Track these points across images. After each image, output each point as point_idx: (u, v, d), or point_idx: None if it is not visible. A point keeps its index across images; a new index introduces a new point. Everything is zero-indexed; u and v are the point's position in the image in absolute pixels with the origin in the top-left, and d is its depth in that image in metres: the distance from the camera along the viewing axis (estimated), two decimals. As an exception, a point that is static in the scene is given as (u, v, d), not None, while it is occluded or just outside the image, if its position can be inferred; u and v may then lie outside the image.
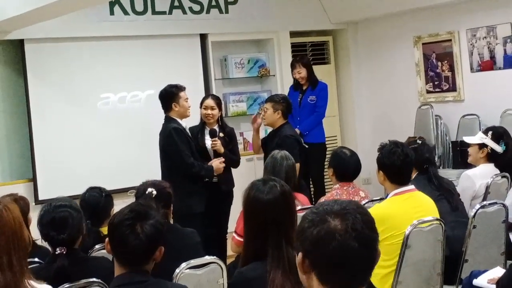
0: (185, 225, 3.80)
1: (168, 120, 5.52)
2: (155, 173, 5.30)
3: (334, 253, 1.61)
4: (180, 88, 5.54)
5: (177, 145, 5.37)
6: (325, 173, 6.97)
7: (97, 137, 6.82)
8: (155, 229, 2.57)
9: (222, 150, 5.72)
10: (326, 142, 7.10)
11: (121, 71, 6.98)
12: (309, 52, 8.24)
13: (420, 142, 4.67)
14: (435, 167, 4.67)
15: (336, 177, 4.57)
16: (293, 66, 7.10)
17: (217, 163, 5.64)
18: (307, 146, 6.57)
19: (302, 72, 6.99)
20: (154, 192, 3.55)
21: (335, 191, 4.54)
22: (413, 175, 4.45)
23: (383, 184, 3.98)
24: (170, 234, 3.07)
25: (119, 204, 3.30)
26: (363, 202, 4.30)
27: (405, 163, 3.84)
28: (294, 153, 5.49)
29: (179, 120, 5.51)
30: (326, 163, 6.78)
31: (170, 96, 5.51)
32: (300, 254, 1.67)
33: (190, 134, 5.62)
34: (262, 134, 7.73)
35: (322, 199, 4.53)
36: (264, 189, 2.81)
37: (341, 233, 1.61)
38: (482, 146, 5.01)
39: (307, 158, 6.25)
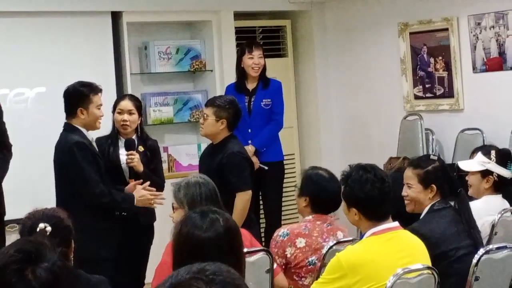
0: (89, 273, 3.79)
1: (70, 129, 5.43)
2: (47, 199, 5.24)
3: None
4: (94, 90, 5.45)
5: (80, 167, 5.32)
6: (284, 203, 7.08)
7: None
8: (52, 274, 2.52)
9: (141, 168, 5.70)
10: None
11: (0, 61, 6.91)
12: (259, 40, 8.27)
13: (436, 157, 4.71)
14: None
15: (311, 208, 4.71)
16: (246, 50, 6.96)
17: (142, 192, 5.54)
18: (266, 168, 6.65)
19: (262, 59, 6.96)
20: (49, 229, 3.50)
21: (305, 224, 4.66)
22: (432, 202, 4.48)
23: (357, 225, 4.05)
24: (74, 282, 3.05)
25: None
26: (324, 249, 4.38)
27: (384, 190, 3.91)
28: (244, 176, 5.53)
29: (83, 131, 5.45)
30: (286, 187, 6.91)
31: (77, 98, 5.42)
32: None
33: (97, 148, 5.59)
34: (194, 150, 7.77)
35: (284, 230, 4.64)
36: (203, 224, 2.83)
37: None
38: (486, 173, 5.07)
39: (261, 182, 6.32)
